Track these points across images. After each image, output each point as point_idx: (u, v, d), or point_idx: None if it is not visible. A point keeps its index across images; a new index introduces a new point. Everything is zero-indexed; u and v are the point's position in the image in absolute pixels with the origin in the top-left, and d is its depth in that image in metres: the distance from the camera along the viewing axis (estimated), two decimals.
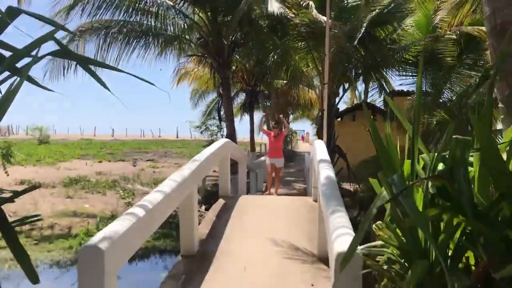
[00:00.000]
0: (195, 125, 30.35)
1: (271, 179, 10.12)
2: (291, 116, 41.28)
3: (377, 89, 14.11)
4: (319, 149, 5.73)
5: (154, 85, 2.40)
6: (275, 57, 13.93)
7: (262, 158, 14.75)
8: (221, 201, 6.68)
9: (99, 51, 11.79)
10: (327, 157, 5.14)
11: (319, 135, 13.29)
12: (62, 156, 23.91)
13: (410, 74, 12.39)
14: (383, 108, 18.61)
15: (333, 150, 12.87)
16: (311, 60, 12.63)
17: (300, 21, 11.08)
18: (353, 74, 12.83)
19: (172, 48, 13.31)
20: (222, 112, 13.93)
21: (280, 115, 11.68)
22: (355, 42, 11.06)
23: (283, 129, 9.94)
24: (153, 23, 12.32)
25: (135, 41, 12.12)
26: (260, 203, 6.87)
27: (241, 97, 24.57)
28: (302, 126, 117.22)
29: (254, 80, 18.32)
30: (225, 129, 14.70)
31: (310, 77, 13.86)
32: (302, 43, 12.10)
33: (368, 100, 18.13)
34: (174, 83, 21.69)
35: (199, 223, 5.57)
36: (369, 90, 15.74)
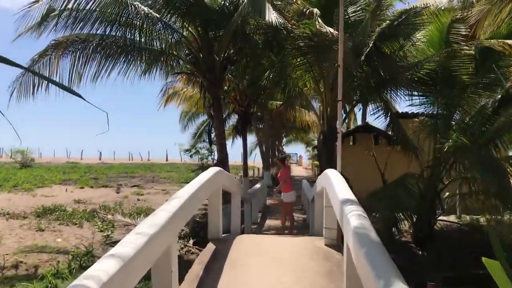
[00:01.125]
0: (184, 148, 29.04)
1: (284, 215, 10.79)
2: (284, 140, 40.26)
3: (382, 110, 12.95)
4: (338, 184, 4.46)
5: (85, 100, 2.24)
6: (271, 75, 12.82)
7: (257, 186, 13.45)
8: (210, 247, 5.35)
9: (75, 67, 10.54)
10: (353, 197, 3.88)
11: (320, 161, 12.05)
12: (42, 181, 22.44)
13: (421, 93, 11.27)
14: (383, 130, 17.56)
15: None
16: (311, 78, 11.50)
17: (300, 33, 9.95)
18: (357, 93, 11.67)
19: (158, 65, 12.09)
20: (212, 135, 12.74)
21: (276, 159, 11.75)
22: (362, 58, 9.93)
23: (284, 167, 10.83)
24: (137, 38, 11.12)
25: (115, 56, 10.89)
26: (260, 247, 5.53)
27: (233, 119, 23.39)
28: (295, 149, 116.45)
29: (248, 101, 17.13)
30: (216, 153, 13.40)
31: (309, 97, 12.69)
32: (301, 59, 10.93)
33: (369, 122, 17.02)
34: (161, 104, 20.38)
35: (182, 279, 4.27)
36: (370, 111, 14.58)
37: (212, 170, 5.60)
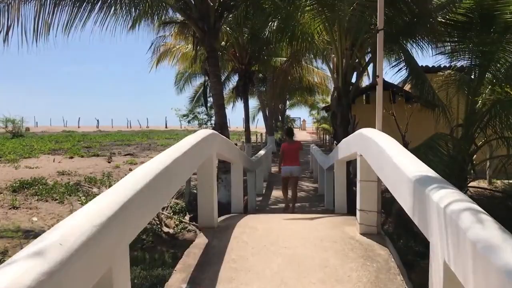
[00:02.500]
0: (182, 114, 27.38)
1: (286, 192, 9.11)
2: (287, 103, 38.39)
3: (403, 63, 11.15)
4: (396, 151, 2.82)
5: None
6: (275, 23, 11.00)
7: (261, 152, 11.86)
8: (200, 243, 3.75)
9: (41, 14, 8.74)
10: (434, 172, 2.25)
11: (333, 123, 10.39)
12: (30, 151, 20.85)
13: (453, 40, 9.49)
14: (400, 87, 15.75)
15: None
16: (323, 23, 9.67)
17: None
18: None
19: (142, 14, 10.25)
20: (209, 96, 11.08)
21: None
22: None
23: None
24: None
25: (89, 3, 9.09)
26: (269, 238, 3.94)
27: (233, 81, 21.53)
28: (299, 113, 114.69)
29: (248, 57, 15.32)
30: (215, 117, 11.75)
31: (321, 47, 10.87)
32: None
33: (386, 78, 15.23)
34: (152, 64, 18.31)
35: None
36: (388, 64, 12.74)
37: (202, 133, 3.97)
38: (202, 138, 3.83)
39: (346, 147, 4.88)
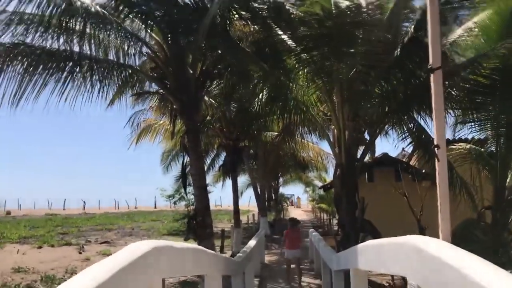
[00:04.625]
0: (167, 194, 25.53)
1: (289, 268, 10.39)
2: (280, 180, 36.76)
3: (412, 135, 9.67)
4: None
5: None
6: (264, 92, 9.68)
7: (252, 242, 9.99)
8: None
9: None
10: None
11: (338, 207, 8.69)
12: None
13: (476, 104, 8.12)
14: (406, 162, 14.26)
15: (363, 227, 8.26)
16: (320, 87, 8.29)
17: (304, 14, 6.78)
18: (386, 109, 8.46)
19: (110, 85, 8.83)
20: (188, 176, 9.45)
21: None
22: (398, 51, 6.78)
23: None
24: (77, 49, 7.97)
25: (45, 70, 7.70)
26: None
27: (223, 158, 19.96)
28: (293, 190, 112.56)
29: (237, 132, 13.90)
30: (195, 202, 10.04)
31: (319, 119, 9.44)
32: (306, 56, 7.66)
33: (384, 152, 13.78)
34: (133, 141, 16.67)
35: None
36: (395, 137, 11.23)
37: (135, 251, 2.24)
38: (133, 260, 2.10)
39: (376, 258, 3.13)
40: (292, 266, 10.30)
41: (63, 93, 8.01)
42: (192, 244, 3.50)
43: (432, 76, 2.93)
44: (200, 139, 9.87)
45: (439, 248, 2.01)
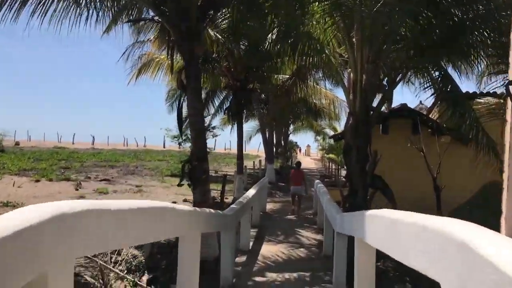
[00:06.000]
0: (172, 135, 24.88)
1: (294, 201, 13.01)
2: (291, 127, 35.83)
3: (437, 85, 8.58)
4: None
5: None
6: (275, 28, 8.59)
7: (251, 191, 9.26)
8: None
9: None
10: None
11: (347, 159, 7.81)
12: None
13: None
14: (425, 115, 13.21)
15: (373, 183, 7.42)
16: (337, 26, 7.21)
17: None
18: (411, 53, 7.37)
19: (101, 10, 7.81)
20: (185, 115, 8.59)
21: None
22: None
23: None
24: None
25: None
26: None
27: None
28: (304, 138, 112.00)
29: (245, 73, 12.87)
30: (191, 146, 9.24)
31: (335, 62, 8.35)
32: None
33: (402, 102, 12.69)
34: (132, 77, 15.70)
35: None
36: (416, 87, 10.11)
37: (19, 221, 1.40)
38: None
39: (390, 237, 2.27)
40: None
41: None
42: (152, 202, 2.65)
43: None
44: (200, 76, 8.91)
45: (500, 253, 1.14)
